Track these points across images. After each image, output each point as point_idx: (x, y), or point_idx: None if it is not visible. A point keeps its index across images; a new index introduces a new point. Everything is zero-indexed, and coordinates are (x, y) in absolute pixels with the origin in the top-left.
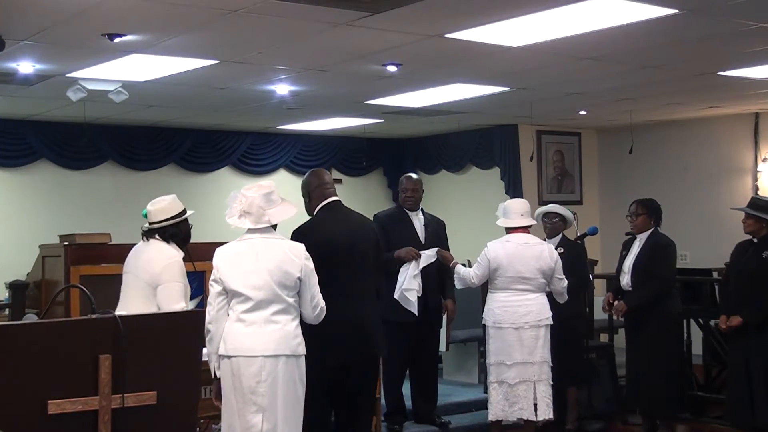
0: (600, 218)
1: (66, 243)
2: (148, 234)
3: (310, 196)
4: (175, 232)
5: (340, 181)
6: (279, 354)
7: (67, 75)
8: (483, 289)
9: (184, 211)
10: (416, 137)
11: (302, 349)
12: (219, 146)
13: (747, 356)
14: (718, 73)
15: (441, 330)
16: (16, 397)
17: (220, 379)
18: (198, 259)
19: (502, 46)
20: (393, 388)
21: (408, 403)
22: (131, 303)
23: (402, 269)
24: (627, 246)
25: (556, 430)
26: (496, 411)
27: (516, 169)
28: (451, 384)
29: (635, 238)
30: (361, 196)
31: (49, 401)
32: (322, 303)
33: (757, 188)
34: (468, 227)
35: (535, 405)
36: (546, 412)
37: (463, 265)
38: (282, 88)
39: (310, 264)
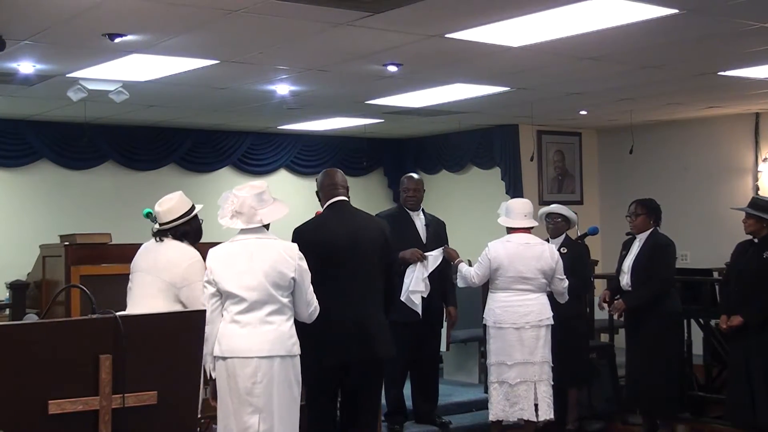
0: (600, 218)
1: (66, 243)
2: (160, 234)
3: (321, 195)
4: (187, 230)
5: None
6: (274, 355)
7: (68, 75)
8: (483, 289)
9: (192, 208)
10: (417, 137)
11: (297, 349)
12: (219, 146)
13: (747, 356)
14: (719, 73)
15: (441, 330)
16: (17, 397)
17: (215, 380)
18: None
19: (503, 46)
20: (393, 388)
21: (408, 403)
22: (151, 302)
23: (408, 271)
24: (627, 246)
25: (556, 430)
26: (496, 411)
27: (516, 169)
28: (452, 384)
29: (635, 238)
30: (361, 196)
31: (50, 401)
32: (316, 302)
33: (757, 188)
34: (468, 227)
35: (536, 405)
36: (547, 413)
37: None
38: (282, 88)
39: (304, 264)
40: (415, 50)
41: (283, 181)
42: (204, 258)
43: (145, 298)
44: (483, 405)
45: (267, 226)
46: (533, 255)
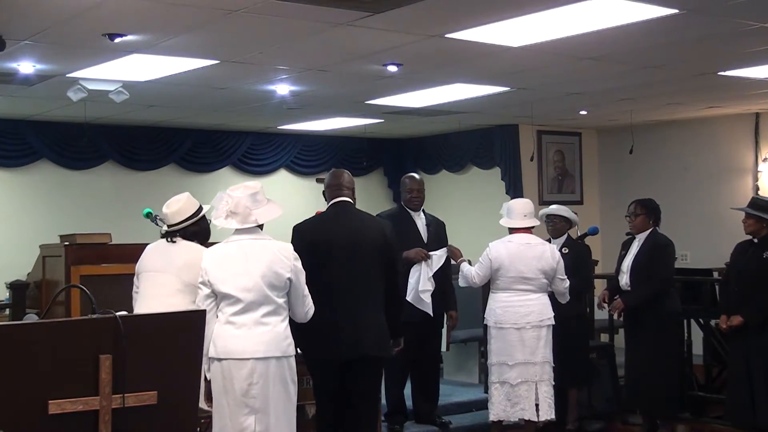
0: (600, 218)
1: (66, 243)
2: (170, 235)
3: (326, 195)
4: (196, 230)
5: None
6: (269, 356)
7: (68, 75)
8: (484, 289)
9: (200, 209)
10: (417, 137)
11: (292, 350)
12: (219, 146)
13: (747, 356)
14: (719, 73)
15: (442, 330)
16: (17, 397)
17: (210, 381)
18: None
19: (503, 46)
20: (394, 388)
21: (408, 403)
22: (167, 301)
23: (412, 270)
24: (626, 246)
25: (556, 430)
26: (497, 411)
27: (516, 169)
28: (452, 384)
29: (634, 238)
30: (361, 196)
31: (50, 401)
32: (311, 302)
33: (757, 188)
34: (468, 227)
35: (537, 405)
36: (548, 413)
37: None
38: (282, 88)
39: (299, 264)
40: (415, 50)
41: (283, 181)
42: None
43: (160, 297)
44: (483, 405)
45: (261, 227)
46: (534, 255)
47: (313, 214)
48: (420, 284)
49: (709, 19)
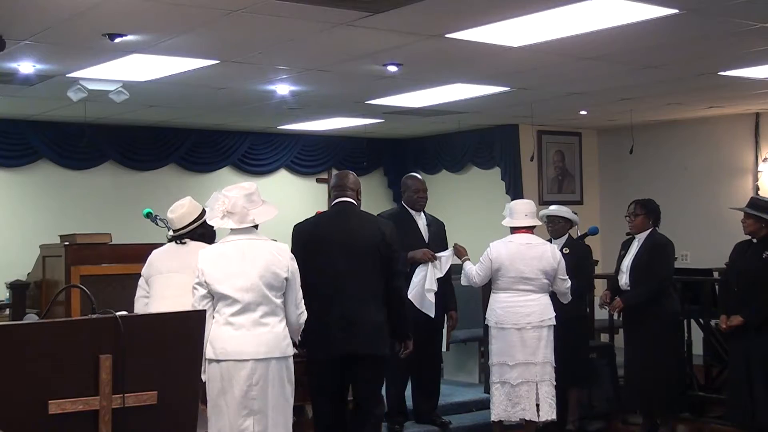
0: (600, 218)
1: (66, 243)
2: (179, 238)
3: (331, 195)
4: (203, 232)
5: None
6: (270, 357)
7: (68, 75)
8: (484, 289)
9: (204, 212)
10: (417, 137)
11: (290, 350)
12: (219, 146)
13: (747, 356)
14: (719, 73)
15: (442, 330)
16: (17, 397)
17: (206, 383)
18: None
19: (503, 46)
20: (394, 388)
21: (409, 402)
22: (186, 300)
23: (417, 270)
24: (626, 246)
25: (556, 429)
26: (498, 411)
27: (516, 169)
28: (452, 384)
29: (634, 238)
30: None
31: (50, 401)
32: (304, 306)
33: (757, 188)
34: (469, 227)
35: (538, 405)
36: (548, 413)
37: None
38: (282, 88)
39: (295, 264)
40: (415, 50)
41: (283, 181)
42: None
43: (176, 297)
44: (483, 405)
45: (256, 227)
46: (535, 255)
47: (314, 214)
48: (427, 283)
49: (709, 19)
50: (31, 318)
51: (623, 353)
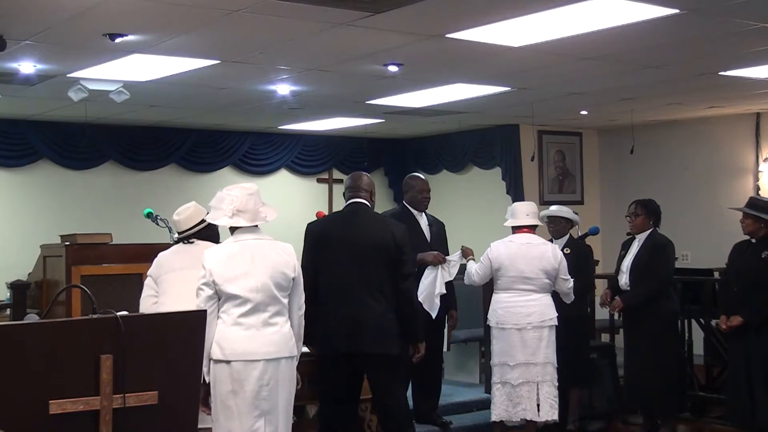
0: (601, 218)
1: (67, 243)
2: (187, 239)
3: (345, 196)
4: (209, 234)
5: (341, 181)
6: (280, 357)
7: (69, 75)
8: (484, 289)
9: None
10: (417, 137)
11: (296, 350)
12: (220, 146)
13: (748, 356)
14: (719, 73)
15: (443, 329)
16: (18, 397)
17: (209, 383)
18: None
19: (503, 46)
20: None
21: (410, 402)
22: None
23: (427, 271)
24: (626, 246)
25: (557, 430)
26: (499, 411)
27: (517, 169)
28: (452, 384)
29: (634, 238)
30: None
31: (51, 401)
32: (305, 306)
33: (758, 188)
34: (469, 227)
35: (538, 406)
36: (549, 413)
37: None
38: (283, 88)
39: (299, 264)
40: (415, 50)
41: (283, 181)
42: None
43: (190, 293)
44: (484, 405)
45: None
46: (535, 254)
47: (314, 215)
48: (437, 287)
49: (710, 19)
50: (32, 318)
51: (624, 353)
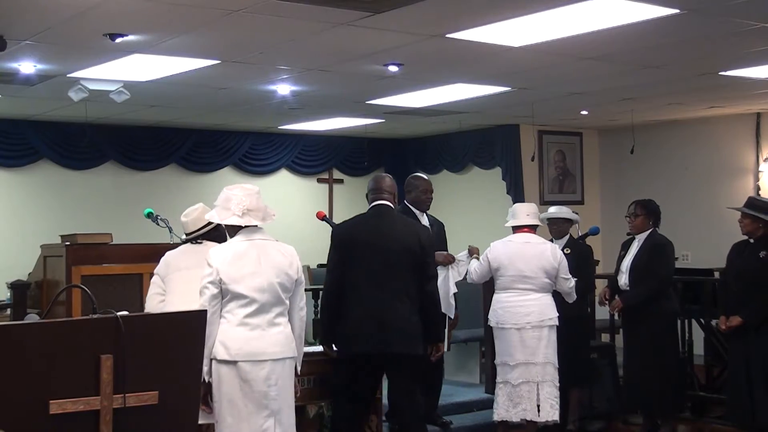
0: (601, 218)
1: (67, 243)
2: (194, 239)
3: (368, 198)
4: (217, 235)
5: (341, 181)
6: (285, 357)
7: (69, 75)
8: (484, 289)
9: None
10: (417, 137)
11: (296, 351)
12: (220, 146)
13: (747, 356)
14: (720, 73)
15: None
16: (18, 397)
17: (210, 384)
18: None
19: (504, 46)
20: None
21: None
22: None
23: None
24: (626, 246)
25: (557, 429)
26: (500, 411)
27: (517, 169)
28: (453, 384)
29: (634, 238)
30: (362, 196)
31: (51, 401)
32: (305, 309)
33: (758, 188)
34: (469, 227)
35: (539, 406)
36: (549, 413)
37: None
38: (283, 88)
39: (301, 265)
40: (415, 50)
41: (283, 181)
42: None
43: (197, 292)
44: (484, 405)
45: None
46: (534, 254)
47: (314, 215)
48: (451, 287)
49: (710, 19)
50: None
51: (623, 353)
